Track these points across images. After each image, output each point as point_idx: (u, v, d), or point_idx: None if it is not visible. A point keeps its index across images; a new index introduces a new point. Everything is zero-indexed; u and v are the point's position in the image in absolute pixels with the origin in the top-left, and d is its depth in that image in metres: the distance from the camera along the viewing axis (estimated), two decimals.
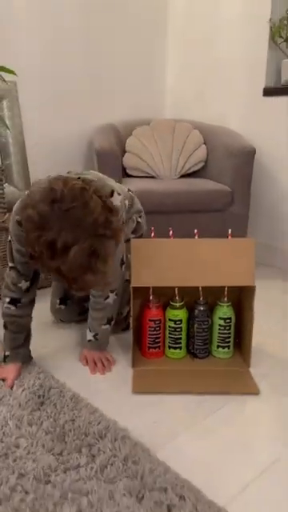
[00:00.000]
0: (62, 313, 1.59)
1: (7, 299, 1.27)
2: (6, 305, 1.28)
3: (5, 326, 1.28)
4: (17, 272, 1.25)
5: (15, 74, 1.63)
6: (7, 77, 1.68)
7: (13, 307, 1.27)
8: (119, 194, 1.22)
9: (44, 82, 2.16)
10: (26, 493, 0.86)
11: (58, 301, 1.57)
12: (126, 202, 1.44)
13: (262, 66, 2.13)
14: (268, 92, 2.13)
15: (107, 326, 1.37)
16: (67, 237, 0.94)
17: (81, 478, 0.89)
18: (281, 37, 2.05)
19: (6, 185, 1.84)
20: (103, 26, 2.31)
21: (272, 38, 2.05)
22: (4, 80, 1.68)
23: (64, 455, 0.95)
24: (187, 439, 1.04)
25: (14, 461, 0.93)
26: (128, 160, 2.22)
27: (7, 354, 1.28)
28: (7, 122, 1.99)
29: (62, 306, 1.58)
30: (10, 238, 1.23)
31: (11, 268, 1.26)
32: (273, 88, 2.12)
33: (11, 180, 2.02)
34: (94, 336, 1.36)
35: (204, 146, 2.26)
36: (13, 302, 1.26)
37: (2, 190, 1.75)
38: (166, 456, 0.97)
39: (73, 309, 1.58)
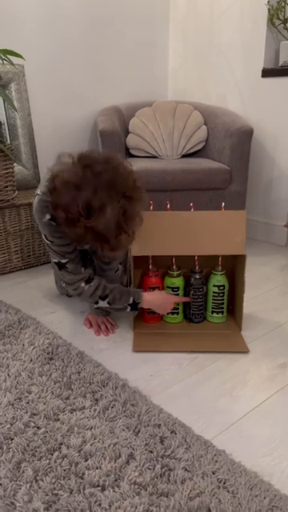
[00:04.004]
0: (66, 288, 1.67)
1: (82, 285, 1.33)
2: (88, 289, 1.34)
3: (108, 302, 1.36)
4: (72, 263, 1.32)
5: (23, 58, 1.72)
6: (15, 60, 1.77)
7: (92, 283, 1.34)
8: None
9: (51, 65, 2.24)
10: (38, 428, 0.98)
11: None
12: None
13: (260, 48, 2.19)
14: (266, 73, 2.20)
15: None
16: (103, 196, 1.02)
17: (85, 416, 1.02)
18: (279, 19, 2.11)
19: (14, 164, 1.94)
20: (108, 12, 2.37)
21: (270, 20, 2.11)
22: (12, 63, 1.76)
23: (71, 399, 1.08)
24: (179, 389, 1.16)
25: (27, 403, 1.06)
26: (131, 140, 2.31)
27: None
28: (15, 104, 2.09)
29: None
30: (46, 241, 1.30)
31: (66, 263, 1.31)
32: (271, 69, 2.19)
33: (20, 160, 2.13)
34: None
35: (204, 126, 2.34)
36: (88, 281, 1.34)
37: (12, 169, 1.85)
38: (161, 402, 1.09)
39: None
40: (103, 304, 1.37)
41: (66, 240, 1.29)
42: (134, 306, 1.37)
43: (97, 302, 1.37)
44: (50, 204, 1.17)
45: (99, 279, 1.37)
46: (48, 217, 1.24)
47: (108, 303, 1.37)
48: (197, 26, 2.49)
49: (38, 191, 1.27)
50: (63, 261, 1.32)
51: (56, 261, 1.33)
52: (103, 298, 1.36)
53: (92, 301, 1.38)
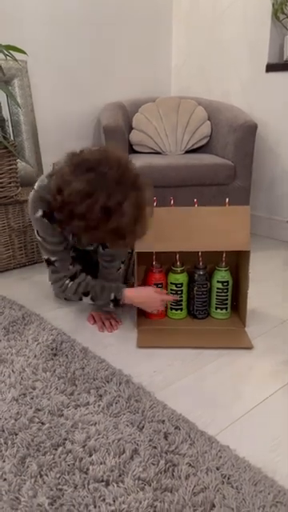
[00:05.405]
0: None
1: (66, 282, 1.37)
2: (71, 286, 1.37)
3: (91, 298, 1.38)
4: (60, 261, 1.35)
5: (26, 54, 1.72)
6: (18, 56, 1.76)
7: (75, 281, 1.37)
8: None
9: (54, 61, 2.23)
10: (42, 423, 0.99)
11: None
12: None
13: (264, 43, 2.18)
14: (271, 68, 2.18)
15: None
16: (116, 196, 1.02)
17: (89, 412, 1.02)
18: (283, 13, 2.09)
19: (18, 160, 1.93)
20: (112, 8, 2.36)
21: (274, 14, 2.09)
22: (15, 59, 1.76)
23: (75, 395, 1.08)
24: (183, 385, 1.16)
25: (31, 399, 1.06)
26: (134, 136, 2.30)
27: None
28: (18, 100, 2.08)
29: None
30: (37, 237, 1.32)
31: (55, 261, 1.34)
32: (275, 64, 2.17)
33: (23, 156, 2.13)
34: None
35: (208, 122, 2.33)
36: (72, 278, 1.37)
37: (15, 165, 1.85)
38: (165, 397, 1.09)
39: None
40: (87, 300, 1.39)
41: (57, 238, 1.30)
42: (116, 302, 1.37)
43: (81, 299, 1.39)
44: (47, 204, 1.19)
45: (84, 276, 1.38)
46: (40, 213, 1.25)
47: (91, 299, 1.38)
48: (200, 21, 2.48)
49: (35, 186, 1.28)
50: (52, 258, 1.34)
51: (46, 257, 1.36)
52: (86, 295, 1.38)
53: (76, 298, 1.40)
